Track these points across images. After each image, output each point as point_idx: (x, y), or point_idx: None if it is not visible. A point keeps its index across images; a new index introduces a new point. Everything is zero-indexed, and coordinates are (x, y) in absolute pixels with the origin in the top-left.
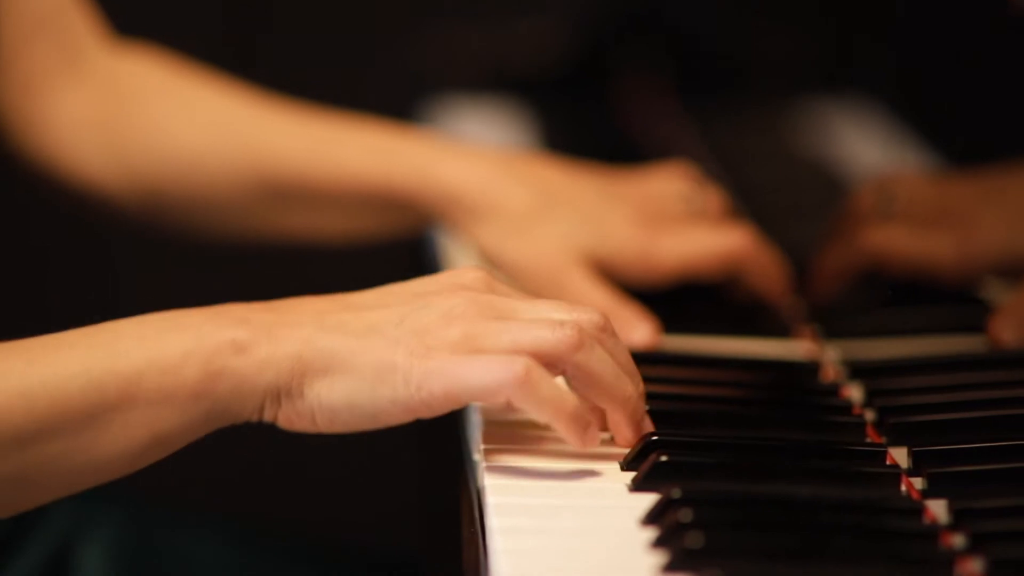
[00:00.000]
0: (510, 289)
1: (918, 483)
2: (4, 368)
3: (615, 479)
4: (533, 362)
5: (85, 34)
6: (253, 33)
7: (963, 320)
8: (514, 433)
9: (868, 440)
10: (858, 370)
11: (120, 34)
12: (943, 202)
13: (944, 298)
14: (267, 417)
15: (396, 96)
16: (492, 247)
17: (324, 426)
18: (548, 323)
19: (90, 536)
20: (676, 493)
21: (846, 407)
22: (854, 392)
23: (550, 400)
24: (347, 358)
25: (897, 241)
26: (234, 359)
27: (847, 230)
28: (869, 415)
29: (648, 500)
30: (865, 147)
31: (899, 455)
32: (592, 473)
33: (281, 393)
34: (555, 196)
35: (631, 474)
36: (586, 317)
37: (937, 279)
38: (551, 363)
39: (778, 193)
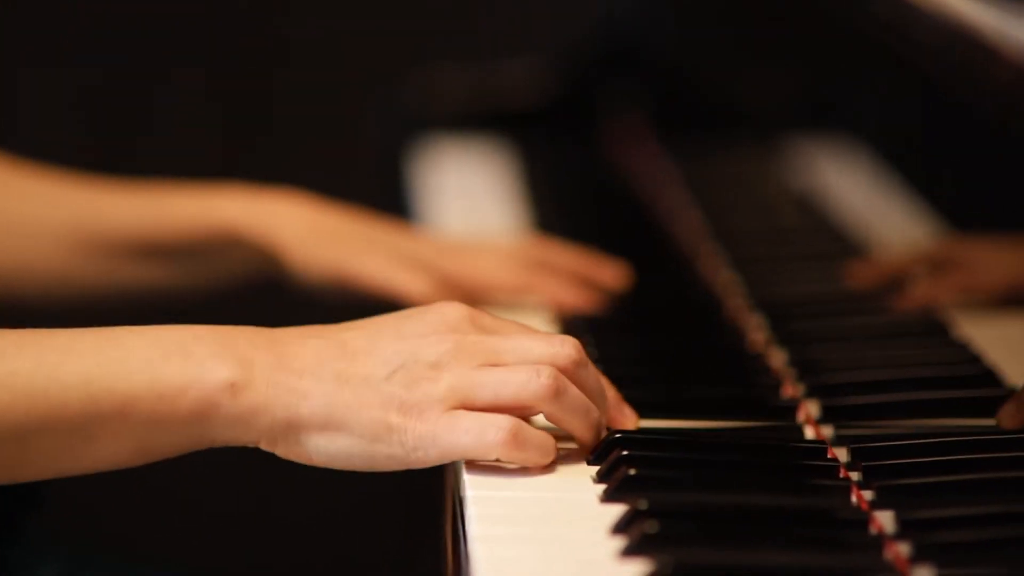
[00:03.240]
0: (491, 319)
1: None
2: (15, 366)
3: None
4: (516, 422)
5: None
6: (242, 75)
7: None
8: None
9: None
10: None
11: None
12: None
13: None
14: (264, 448)
15: (385, 137)
16: (306, 261)
17: (321, 465)
18: (526, 371)
19: None
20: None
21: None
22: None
23: (536, 451)
24: (344, 416)
25: None
26: (230, 400)
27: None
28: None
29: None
30: (849, 188)
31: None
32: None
33: (277, 437)
34: (358, 220)
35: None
36: (563, 353)
37: None
38: (530, 409)
39: (760, 235)
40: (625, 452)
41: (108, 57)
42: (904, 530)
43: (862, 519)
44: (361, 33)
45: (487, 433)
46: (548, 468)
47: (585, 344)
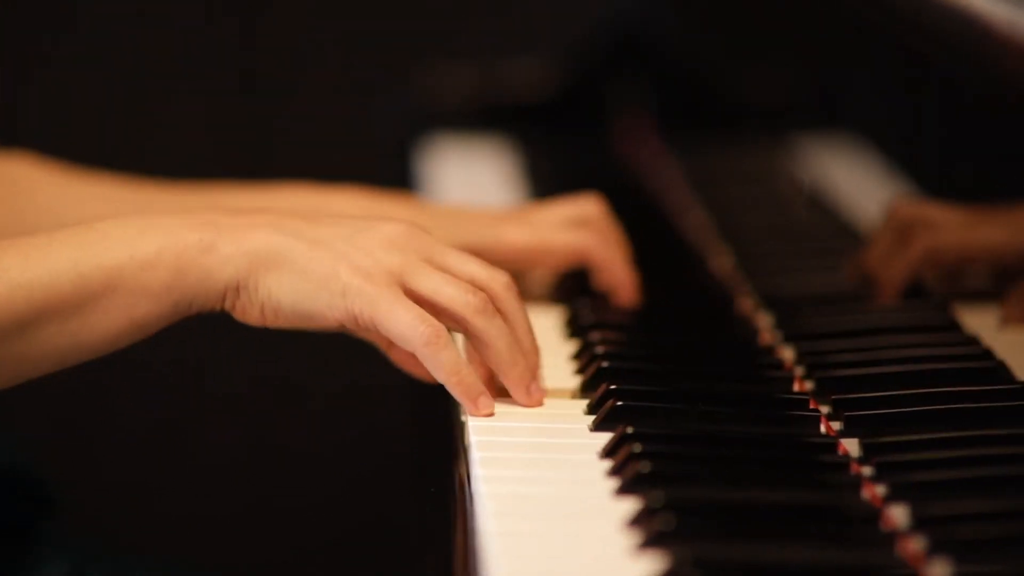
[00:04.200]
0: (438, 239)
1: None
2: (4, 263)
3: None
4: (443, 329)
5: None
6: (249, 73)
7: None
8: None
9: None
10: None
11: None
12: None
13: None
14: (227, 307)
15: (390, 135)
16: None
17: (270, 319)
18: (464, 286)
19: None
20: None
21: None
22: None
23: (447, 365)
24: (297, 259)
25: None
26: (201, 256)
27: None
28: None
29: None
30: (855, 183)
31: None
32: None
33: (240, 286)
34: (415, 211)
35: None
36: (496, 285)
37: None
38: (455, 320)
39: (766, 231)
40: (638, 447)
41: (115, 58)
42: (919, 525)
43: (874, 515)
44: (367, 32)
45: (419, 324)
46: (562, 463)
47: (595, 340)
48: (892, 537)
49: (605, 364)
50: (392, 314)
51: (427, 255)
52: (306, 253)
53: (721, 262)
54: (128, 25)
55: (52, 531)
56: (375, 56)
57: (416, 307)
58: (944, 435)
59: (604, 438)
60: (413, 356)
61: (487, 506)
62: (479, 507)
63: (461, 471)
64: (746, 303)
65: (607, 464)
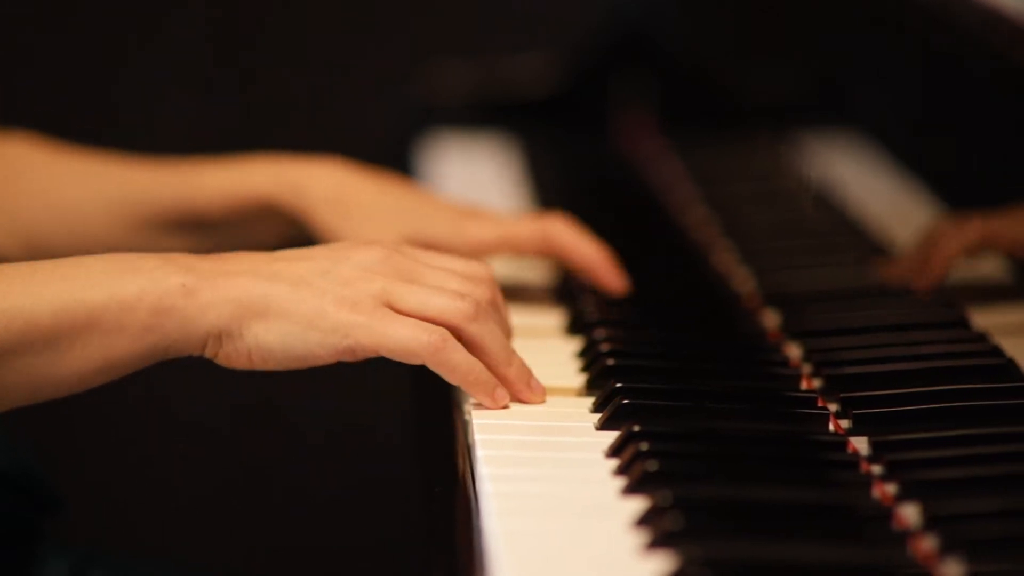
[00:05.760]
0: (415, 249)
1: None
2: None
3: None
4: (448, 333)
5: None
6: (250, 70)
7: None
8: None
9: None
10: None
11: None
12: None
13: None
14: (208, 354)
15: (392, 132)
16: (334, 232)
17: (259, 364)
18: (450, 293)
19: None
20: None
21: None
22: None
23: (460, 367)
24: (282, 303)
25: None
26: (181, 301)
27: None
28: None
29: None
30: (858, 180)
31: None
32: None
33: (223, 334)
34: (387, 191)
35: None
36: (479, 292)
37: None
38: (448, 329)
39: (770, 227)
40: (645, 445)
41: (114, 57)
42: (930, 524)
43: (885, 514)
44: (369, 29)
45: (421, 334)
46: (568, 462)
47: (600, 337)
48: (903, 536)
49: (610, 362)
50: (390, 335)
51: (407, 273)
52: (290, 295)
53: (725, 259)
54: (127, 24)
55: (52, 531)
56: (376, 52)
57: (411, 320)
58: (954, 433)
59: (610, 436)
60: None
61: (492, 505)
62: (484, 506)
63: (465, 470)
64: (751, 300)
65: (613, 463)
